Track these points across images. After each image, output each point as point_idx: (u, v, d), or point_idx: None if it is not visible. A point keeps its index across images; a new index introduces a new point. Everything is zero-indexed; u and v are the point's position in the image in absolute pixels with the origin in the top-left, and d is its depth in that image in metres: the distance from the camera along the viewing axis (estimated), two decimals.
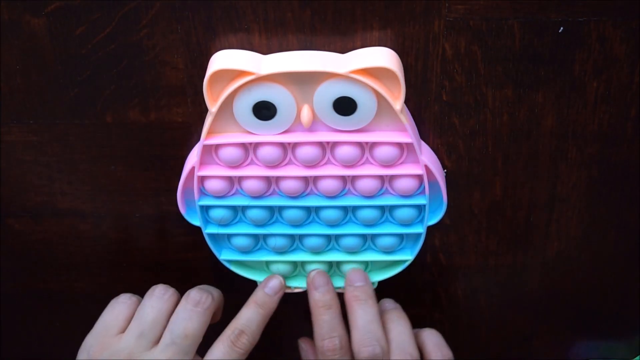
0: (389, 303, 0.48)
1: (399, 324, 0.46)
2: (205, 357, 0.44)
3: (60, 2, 0.41)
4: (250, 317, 0.46)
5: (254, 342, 0.45)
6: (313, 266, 0.49)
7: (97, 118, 0.45)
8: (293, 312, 0.51)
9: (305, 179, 0.44)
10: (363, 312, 0.45)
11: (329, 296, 0.46)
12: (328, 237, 0.47)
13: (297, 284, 0.49)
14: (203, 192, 0.45)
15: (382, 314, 0.46)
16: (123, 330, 0.44)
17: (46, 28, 0.42)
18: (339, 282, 0.49)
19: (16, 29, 0.42)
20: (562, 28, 0.41)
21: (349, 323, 0.45)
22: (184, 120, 0.45)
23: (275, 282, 0.47)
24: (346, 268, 0.48)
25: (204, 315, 0.44)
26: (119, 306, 0.45)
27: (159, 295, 0.45)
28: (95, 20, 0.41)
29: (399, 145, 0.42)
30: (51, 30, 0.42)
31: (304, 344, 0.49)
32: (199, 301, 0.45)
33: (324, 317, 0.45)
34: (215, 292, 0.47)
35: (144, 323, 0.44)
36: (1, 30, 0.42)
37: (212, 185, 0.44)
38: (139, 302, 0.45)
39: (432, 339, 0.47)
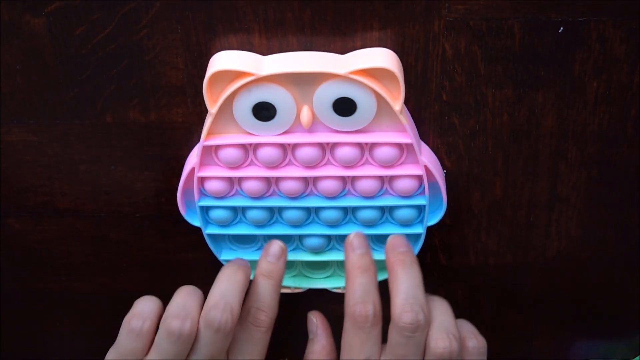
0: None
1: (441, 304, 0.43)
2: (230, 351, 0.42)
3: (60, 2, 0.41)
4: (262, 291, 0.43)
5: (274, 316, 0.43)
6: (313, 266, 0.49)
7: (97, 118, 0.45)
8: (293, 312, 0.50)
9: (305, 180, 0.44)
10: (408, 277, 0.41)
11: (368, 259, 0.42)
12: (328, 238, 0.47)
13: (298, 284, 0.49)
14: (203, 193, 0.45)
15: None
16: None
17: (46, 28, 0.42)
18: (339, 283, 0.49)
19: (16, 29, 0.42)
20: (562, 28, 0.41)
21: (390, 288, 0.42)
22: (184, 120, 0.45)
23: (275, 248, 0.44)
24: None
25: (228, 338, 0.41)
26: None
27: (175, 332, 0.40)
28: (95, 20, 0.41)
29: (399, 145, 0.42)
30: (51, 30, 0.42)
31: (314, 317, 0.47)
32: (219, 328, 0.40)
33: (359, 280, 0.41)
34: (236, 305, 0.41)
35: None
36: (1, 30, 0.42)
37: (212, 186, 0.44)
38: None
39: (466, 326, 0.44)
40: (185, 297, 0.42)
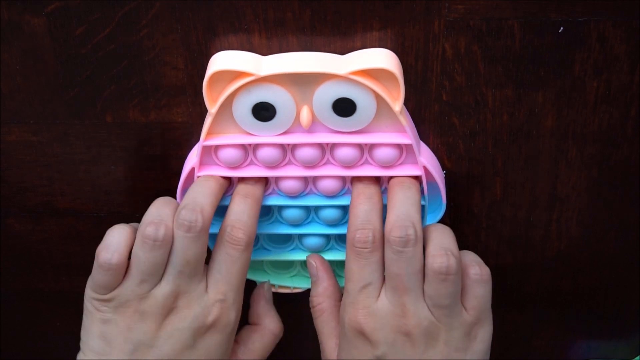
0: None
1: (442, 228, 0.42)
2: (209, 271, 0.43)
3: (60, 2, 0.41)
4: (238, 209, 0.42)
5: (252, 235, 0.42)
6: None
7: (97, 118, 0.45)
8: (293, 312, 0.50)
9: (305, 179, 0.44)
10: (404, 196, 0.41)
11: (373, 189, 0.42)
12: (327, 237, 0.47)
13: (297, 284, 0.49)
14: None
15: (426, 227, 0.43)
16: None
17: (46, 28, 0.42)
18: (339, 282, 0.49)
19: (16, 29, 0.42)
20: (562, 28, 0.41)
21: (387, 207, 0.41)
22: (184, 120, 0.45)
23: (254, 177, 0.44)
24: None
25: (200, 239, 0.41)
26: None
27: (150, 237, 0.41)
28: (95, 20, 0.41)
29: (398, 146, 0.42)
30: (51, 30, 0.42)
31: (314, 261, 0.46)
32: (190, 226, 0.40)
33: (361, 207, 0.41)
34: (206, 206, 0.41)
35: (142, 273, 0.41)
36: (1, 30, 0.42)
37: None
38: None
39: (470, 255, 0.43)
40: (159, 206, 0.42)
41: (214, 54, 0.41)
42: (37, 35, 0.42)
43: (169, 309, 0.42)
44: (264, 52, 0.42)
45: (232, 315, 0.43)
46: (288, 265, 0.50)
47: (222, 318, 0.43)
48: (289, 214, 0.46)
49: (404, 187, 0.42)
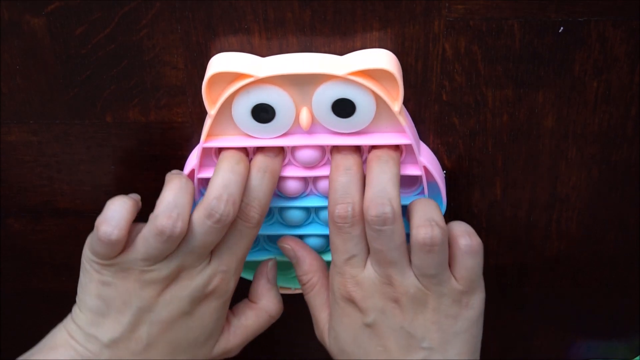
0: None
1: (426, 200, 0.42)
2: (216, 248, 0.42)
3: (60, 2, 0.41)
4: (255, 185, 0.41)
5: (265, 212, 0.42)
6: None
7: (97, 118, 0.45)
8: (293, 312, 0.50)
9: (305, 180, 0.44)
10: (380, 171, 0.40)
11: (351, 159, 0.41)
12: (328, 238, 0.47)
13: (298, 285, 0.49)
14: (203, 194, 0.45)
15: (411, 202, 0.42)
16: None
17: (46, 28, 0.42)
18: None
19: (16, 29, 0.42)
20: (562, 28, 0.41)
21: (366, 182, 0.41)
22: (184, 120, 0.45)
23: (274, 148, 0.42)
24: None
25: (225, 229, 0.40)
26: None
27: (165, 232, 0.40)
28: (95, 20, 0.41)
29: (398, 146, 0.42)
30: (51, 30, 0.42)
31: (287, 244, 0.46)
32: (220, 219, 0.39)
33: (340, 179, 0.40)
34: (238, 198, 0.40)
35: (149, 255, 0.41)
36: (1, 30, 0.42)
37: None
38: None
39: (461, 225, 0.42)
40: (176, 193, 0.40)
41: (214, 54, 0.41)
42: (37, 35, 0.42)
43: (171, 279, 0.42)
44: (264, 52, 0.42)
45: (231, 284, 0.44)
46: (289, 266, 0.50)
47: (221, 286, 0.43)
48: (290, 215, 0.46)
49: (381, 161, 0.41)
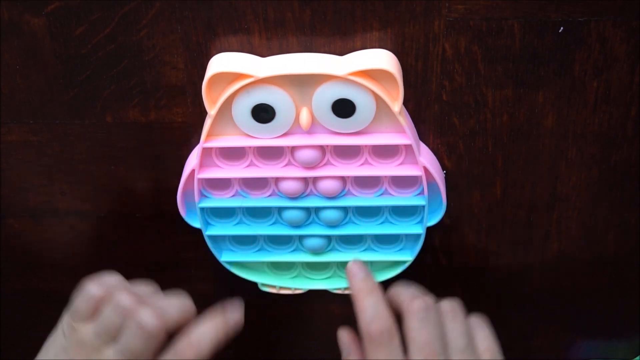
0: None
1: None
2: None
3: (60, 2, 0.41)
4: (373, 305, 0.41)
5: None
6: (313, 267, 0.49)
7: (97, 118, 0.45)
8: (294, 313, 0.51)
9: (305, 180, 0.44)
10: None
11: (370, 282, 0.42)
12: (328, 238, 0.47)
13: (298, 285, 0.49)
14: (203, 195, 0.45)
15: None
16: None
17: (46, 28, 0.42)
18: (339, 283, 0.49)
19: (16, 29, 0.42)
20: (562, 28, 0.41)
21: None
22: (184, 120, 0.45)
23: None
24: None
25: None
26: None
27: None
28: (95, 20, 0.41)
29: (398, 147, 0.42)
30: (51, 30, 0.42)
31: (344, 339, 0.44)
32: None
33: (366, 302, 0.41)
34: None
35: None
36: (1, 30, 0.42)
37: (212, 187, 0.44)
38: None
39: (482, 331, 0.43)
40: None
41: (214, 54, 0.41)
42: (37, 35, 0.42)
43: None
44: (264, 52, 0.42)
45: None
46: (289, 266, 0.50)
47: None
48: (289, 215, 0.46)
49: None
